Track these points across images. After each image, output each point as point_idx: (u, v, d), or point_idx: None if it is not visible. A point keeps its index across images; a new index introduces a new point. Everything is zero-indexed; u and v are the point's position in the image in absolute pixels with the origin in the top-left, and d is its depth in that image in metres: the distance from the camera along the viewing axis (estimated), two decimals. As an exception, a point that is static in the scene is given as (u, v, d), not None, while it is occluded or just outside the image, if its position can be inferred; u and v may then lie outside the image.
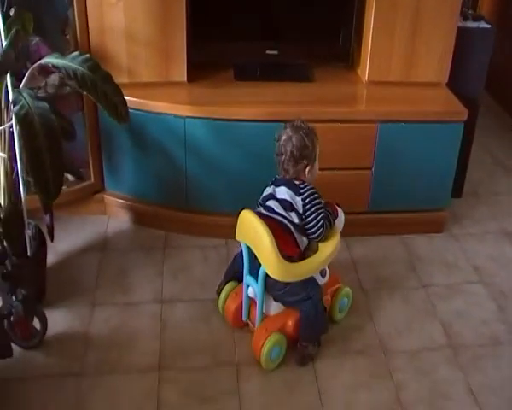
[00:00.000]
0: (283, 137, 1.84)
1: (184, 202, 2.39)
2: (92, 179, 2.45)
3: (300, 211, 1.83)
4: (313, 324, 1.88)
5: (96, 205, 2.51)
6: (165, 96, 2.24)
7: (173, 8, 2.19)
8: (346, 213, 2.05)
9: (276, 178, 1.93)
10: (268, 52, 2.43)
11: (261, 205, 1.92)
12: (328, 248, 1.88)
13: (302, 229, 1.85)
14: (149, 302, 2.12)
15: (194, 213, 2.42)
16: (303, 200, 1.82)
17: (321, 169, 2.31)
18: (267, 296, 1.91)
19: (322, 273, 1.96)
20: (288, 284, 1.83)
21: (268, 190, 1.93)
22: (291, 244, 1.83)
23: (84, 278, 2.21)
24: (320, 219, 1.83)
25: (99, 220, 2.51)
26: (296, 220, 1.83)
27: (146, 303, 2.12)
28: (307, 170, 1.86)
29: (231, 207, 2.37)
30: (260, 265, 1.82)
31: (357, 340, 2.01)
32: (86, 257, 2.32)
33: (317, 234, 1.84)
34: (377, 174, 2.38)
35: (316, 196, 1.84)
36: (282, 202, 1.86)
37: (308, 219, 1.83)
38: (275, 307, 1.93)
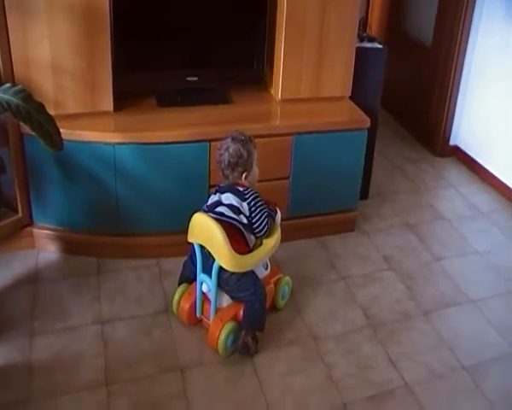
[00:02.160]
0: (223, 147, 2.07)
1: (115, 226, 2.47)
2: (20, 213, 2.46)
3: (247, 214, 2.06)
4: (256, 315, 2.08)
5: (25, 239, 2.52)
6: (93, 125, 2.33)
7: (98, 41, 2.28)
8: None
9: (219, 186, 2.14)
10: (188, 78, 2.57)
11: (209, 211, 2.08)
12: (270, 242, 2.12)
13: (250, 228, 2.07)
14: (89, 324, 2.18)
15: (126, 236, 2.51)
16: (248, 204, 2.05)
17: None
18: (219, 291, 2.08)
19: (264, 266, 2.19)
20: (238, 279, 2.03)
21: (214, 198, 2.12)
22: (242, 243, 2.05)
23: (19, 312, 2.22)
24: (264, 218, 2.07)
25: (29, 255, 2.51)
26: (245, 221, 2.05)
27: (86, 326, 2.17)
28: (244, 176, 2.07)
29: (162, 226, 2.51)
30: (213, 262, 2.02)
31: (288, 332, 2.20)
32: (19, 291, 2.32)
33: (263, 231, 2.08)
34: (294, 183, 2.60)
35: (258, 198, 2.07)
36: (230, 206, 2.06)
37: (254, 220, 2.06)
38: (227, 300, 2.11)
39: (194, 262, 2.13)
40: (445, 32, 3.54)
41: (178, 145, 2.35)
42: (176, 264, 2.36)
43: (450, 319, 2.35)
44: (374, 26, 4.56)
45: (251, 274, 2.07)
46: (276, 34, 2.60)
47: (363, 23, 3.23)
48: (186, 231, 2.09)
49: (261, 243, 2.13)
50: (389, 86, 4.20)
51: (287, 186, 2.61)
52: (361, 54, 2.73)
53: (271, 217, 2.13)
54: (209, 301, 2.11)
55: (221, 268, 2.01)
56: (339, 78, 2.70)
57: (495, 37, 3.30)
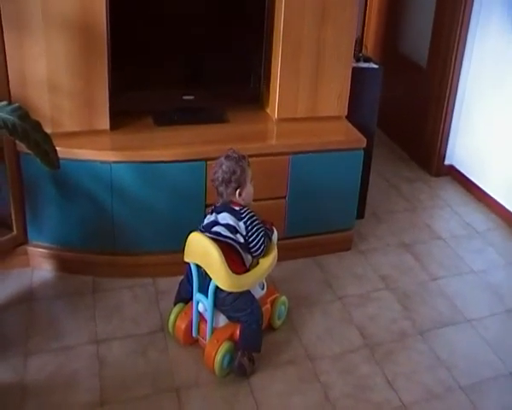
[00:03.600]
0: (217, 165, 2.08)
1: (112, 245, 2.47)
2: (15, 231, 2.45)
3: (244, 233, 2.06)
4: (252, 335, 2.07)
5: (20, 258, 2.50)
6: (89, 143, 2.33)
7: (95, 60, 2.29)
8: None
9: (215, 206, 2.14)
10: (185, 97, 2.58)
11: (206, 231, 2.08)
12: (267, 261, 2.12)
13: (247, 247, 2.07)
14: (85, 344, 2.16)
15: (122, 255, 2.50)
16: (245, 223, 2.05)
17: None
18: (216, 311, 2.07)
19: (261, 286, 2.18)
20: (235, 299, 2.03)
21: (210, 218, 2.11)
22: (238, 263, 2.05)
23: (13, 331, 2.20)
24: (261, 238, 2.07)
25: (23, 273, 2.50)
26: (241, 240, 2.06)
27: (81, 345, 2.15)
28: (237, 192, 2.07)
29: (158, 246, 2.50)
30: (209, 282, 2.01)
31: (285, 352, 2.19)
32: (13, 310, 2.30)
33: (259, 251, 2.08)
34: (291, 202, 2.60)
35: (255, 217, 2.07)
36: (226, 226, 2.06)
37: (251, 239, 2.06)
38: (223, 320, 2.10)
39: (190, 282, 2.12)
40: (440, 54, 3.59)
41: (175, 164, 2.36)
42: (172, 283, 2.35)
43: (447, 339, 2.34)
44: (369, 47, 4.63)
45: (247, 294, 2.06)
46: (273, 53, 2.62)
47: (359, 43, 3.29)
48: (182, 251, 2.08)
49: (257, 263, 2.12)
50: (385, 106, 4.24)
51: (284, 206, 2.61)
52: (357, 74, 2.76)
53: (268, 236, 2.13)
54: (205, 320, 2.10)
55: (217, 288, 2.00)
56: (335, 97, 2.72)
57: (489, 59, 3.34)
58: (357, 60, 2.93)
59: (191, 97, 2.60)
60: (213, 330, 2.09)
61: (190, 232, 2.07)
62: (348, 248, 2.84)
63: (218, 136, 2.53)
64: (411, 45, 4.01)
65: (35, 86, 2.26)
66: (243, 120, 2.70)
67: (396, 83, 4.03)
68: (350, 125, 2.76)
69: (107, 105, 2.38)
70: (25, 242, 2.51)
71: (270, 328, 2.26)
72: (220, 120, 2.67)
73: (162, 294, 2.44)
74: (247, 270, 2.09)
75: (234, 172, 2.06)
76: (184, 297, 2.20)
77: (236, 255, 2.05)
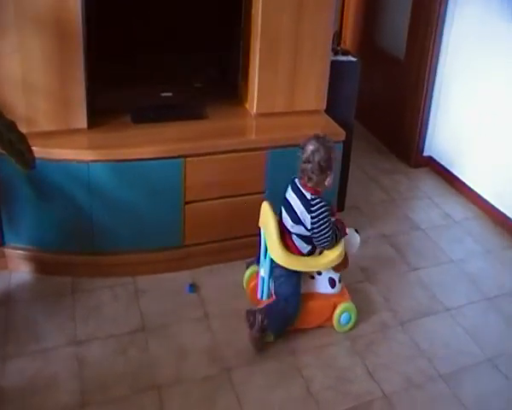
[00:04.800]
0: (311, 148, 2.03)
1: (91, 245, 2.44)
2: (-9, 234, 2.42)
3: (309, 227, 2.07)
4: (276, 318, 2.14)
5: (-4, 261, 2.48)
6: (66, 143, 2.30)
7: (71, 57, 2.25)
8: (245, 236, 2.26)
9: (294, 181, 2.15)
10: (163, 94, 2.55)
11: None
12: (323, 258, 2.18)
13: (307, 239, 2.11)
14: (64, 346, 2.14)
15: (101, 254, 2.48)
16: (312, 217, 2.04)
17: (219, 198, 2.51)
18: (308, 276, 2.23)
19: (331, 284, 2.24)
20: (281, 276, 2.13)
21: (288, 192, 2.16)
22: (293, 248, 2.14)
23: (-9, 335, 2.17)
24: (326, 237, 2.07)
25: (0, 276, 2.46)
26: (302, 232, 2.09)
27: (61, 347, 2.13)
28: (328, 179, 2.07)
29: (137, 244, 2.48)
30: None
31: (267, 346, 2.19)
32: (-10, 314, 2.27)
33: (322, 246, 2.13)
34: (269, 197, 2.54)
35: (325, 214, 2.05)
36: (291, 213, 2.10)
37: (315, 235, 2.07)
38: (325, 286, 2.26)
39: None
40: (416, 46, 3.61)
41: (153, 162, 2.34)
42: (152, 282, 2.34)
43: (427, 329, 2.37)
44: (347, 40, 4.65)
45: (293, 280, 2.13)
46: (251, 48, 2.61)
47: (337, 37, 3.29)
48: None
49: (320, 253, 2.19)
50: (363, 99, 4.24)
51: (262, 201, 2.60)
52: (335, 67, 2.76)
53: (335, 235, 2.11)
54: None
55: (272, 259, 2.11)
56: (314, 91, 2.72)
57: (464, 51, 3.37)
58: (336, 53, 2.93)
59: (169, 94, 2.57)
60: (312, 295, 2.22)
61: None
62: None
63: (197, 132, 2.51)
64: (389, 38, 4.03)
65: (9, 84, 2.22)
66: (222, 116, 2.68)
67: (374, 76, 4.05)
68: (329, 118, 2.76)
69: (84, 104, 2.35)
70: (1, 244, 2.47)
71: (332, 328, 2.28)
72: (199, 116, 2.65)
73: (142, 293, 2.43)
74: (302, 254, 2.14)
75: (331, 159, 2.03)
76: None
77: (292, 243, 2.12)
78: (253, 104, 2.66)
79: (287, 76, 2.64)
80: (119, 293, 2.43)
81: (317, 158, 2.02)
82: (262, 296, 2.26)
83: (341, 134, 2.67)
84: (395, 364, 2.17)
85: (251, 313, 2.14)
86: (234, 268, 2.57)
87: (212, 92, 2.71)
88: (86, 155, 2.28)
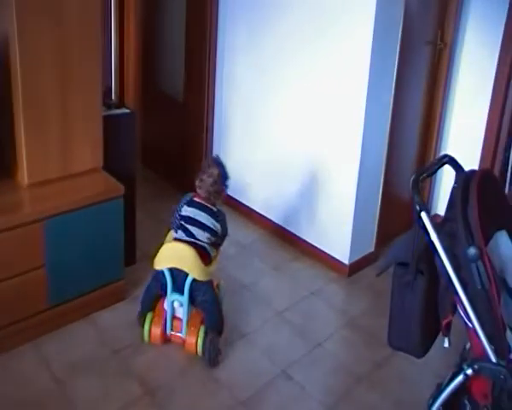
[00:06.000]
0: (211, 167, 2.46)
1: None
2: None
3: (220, 233, 2.48)
4: (217, 316, 2.49)
5: None
6: None
7: None
8: (26, 318, 2.28)
9: (192, 200, 2.47)
10: None
11: (180, 226, 2.45)
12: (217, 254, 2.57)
13: (215, 243, 2.49)
14: None
15: None
16: (220, 224, 2.47)
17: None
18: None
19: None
20: (205, 291, 2.43)
21: (186, 211, 2.45)
22: (205, 257, 2.42)
23: None
24: (227, 229, 2.54)
25: None
26: (213, 239, 2.46)
27: None
28: (222, 195, 2.49)
29: None
30: (184, 279, 2.37)
31: None
32: None
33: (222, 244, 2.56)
34: (51, 269, 2.47)
35: (224, 216, 2.50)
36: (202, 226, 2.42)
37: (224, 234, 2.52)
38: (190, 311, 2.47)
39: (163, 287, 2.43)
40: (193, 86, 3.79)
41: None
42: None
43: (226, 361, 2.46)
44: (130, 89, 4.69)
45: (211, 283, 2.47)
46: (15, 117, 2.44)
47: (109, 91, 3.28)
48: None
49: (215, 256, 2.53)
50: (150, 145, 4.35)
51: (42, 275, 2.47)
52: (110, 121, 2.76)
53: None
54: (177, 319, 2.45)
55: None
56: (89, 150, 2.66)
57: (238, 89, 3.62)
58: (109, 107, 2.92)
59: None
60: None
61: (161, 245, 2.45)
62: (122, 298, 2.80)
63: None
64: (168, 82, 4.16)
65: None
66: None
67: (158, 120, 4.17)
68: (107, 175, 2.72)
69: None
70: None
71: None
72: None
73: None
74: (210, 261, 2.46)
75: (226, 178, 2.47)
76: (151, 305, 2.51)
77: (204, 252, 2.41)
78: (24, 175, 2.50)
79: (57, 138, 2.54)
80: None
81: (215, 176, 2.44)
82: (171, 330, 2.47)
83: (119, 189, 2.65)
84: (197, 405, 2.22)
85: (210, 340, 2.38)
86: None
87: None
88: None
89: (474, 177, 1.64)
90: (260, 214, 3.62)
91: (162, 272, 2.42)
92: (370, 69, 2.84)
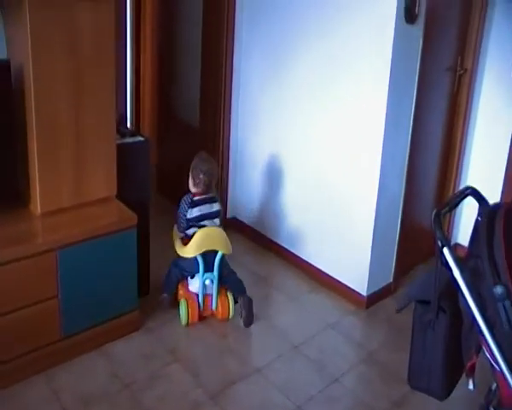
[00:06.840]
0: (205, 162, 2.81)
1: None
2: None
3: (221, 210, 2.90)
4: (241, 282, 2.90)
5: None
6: None
7: None
8: (39, 348, 2.29)
9: (195, 200, 2.79)
10: None
11: (191, 226, 2.79)
12: None
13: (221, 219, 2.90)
14: None
15: None
16: (219, 202, 2.90)
17: (4, 313, 2.29)
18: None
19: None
20: (226, 264, 2.85)
21: (202, 210, 2.80)
22: None
23: None
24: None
25: None
26: (220, 217, 2.89)
27: None
28: (215, 180, 2.87)
29: None
30: (214, 258, 2.75)
31: None
32: None
33: None
34: (65, 299, 2.44)
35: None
36: (211, 215, 2.82)
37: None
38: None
39: (196, 270, 2.75)
40: (209, 113, 3.79)
41: None
42: None
43: (239, 395, 2.40)
44: (147, 116, 4.73)
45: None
46: (28, 145, 2.45)
47: (124, 119, 3.28)
48: None
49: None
50: (166, 172, 4.34)
51: (56, 305, 2.44)
52: (124, 150, 2.75)
53: None
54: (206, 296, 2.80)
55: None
56: (102, 179, 2.65)
57: (252, 118, 3.62)
58: (123, 136, 2.91)
59: None
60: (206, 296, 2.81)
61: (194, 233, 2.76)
62: (136, 329, 2.76)
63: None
64: (184, 108, 4.17)
65: None
66: (3, 222, 2.44)
67: (175, 147, 4.16)
68: (120, 204, 2.70)
69: None
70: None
71: None
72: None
73: None
74: None
75: (216, 170, 2.85)
76: (174, 288, 2.87)
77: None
78: (37, 204, 2.49)
79: (70, 167, 2.53)
80: None
81: (213, 170, 2.84)
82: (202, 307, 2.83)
83: (133, 218, 2.62)
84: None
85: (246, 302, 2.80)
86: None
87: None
88: None
89: (498, 211, 1.57)
90: (281, 245, 3.55)
91: (182, 258, 2.79)
92: (388, 99, 2.80)
